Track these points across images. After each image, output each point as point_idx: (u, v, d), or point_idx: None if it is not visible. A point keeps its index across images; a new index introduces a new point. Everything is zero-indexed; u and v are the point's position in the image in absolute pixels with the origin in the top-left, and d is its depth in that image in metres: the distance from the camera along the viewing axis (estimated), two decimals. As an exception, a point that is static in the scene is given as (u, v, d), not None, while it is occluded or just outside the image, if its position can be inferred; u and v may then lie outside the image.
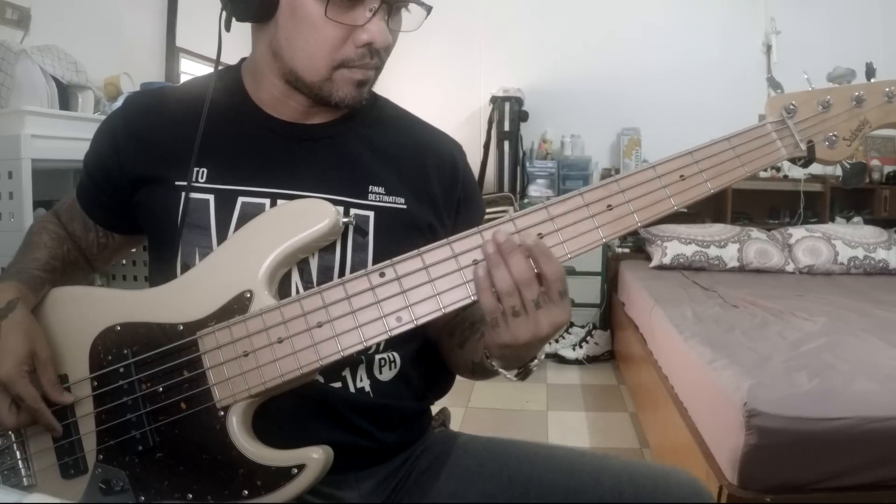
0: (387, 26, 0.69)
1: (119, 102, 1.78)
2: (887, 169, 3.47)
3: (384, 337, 0.62)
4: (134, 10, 2.29)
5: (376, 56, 0.70)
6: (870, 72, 0.68)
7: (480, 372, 0.74)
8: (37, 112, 1.41)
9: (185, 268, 0.71)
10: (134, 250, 1.53)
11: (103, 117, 1.63)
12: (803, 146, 0.66)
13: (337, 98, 0.71)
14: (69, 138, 1.43)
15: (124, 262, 1.69)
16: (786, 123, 0.67)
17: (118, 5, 2.18)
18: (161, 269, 0.74)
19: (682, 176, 0.64)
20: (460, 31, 3.70)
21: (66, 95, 1.63)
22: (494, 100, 3.52)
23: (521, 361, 0.67)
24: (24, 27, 1.73)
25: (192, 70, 2.57)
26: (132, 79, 1.92)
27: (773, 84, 0.69)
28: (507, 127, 3.46)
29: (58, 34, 1.73)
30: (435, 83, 3.70)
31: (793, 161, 0.68)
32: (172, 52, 2.46)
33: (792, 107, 0.67)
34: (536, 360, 0.68)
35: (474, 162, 3.40)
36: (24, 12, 1.73)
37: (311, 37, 0.68)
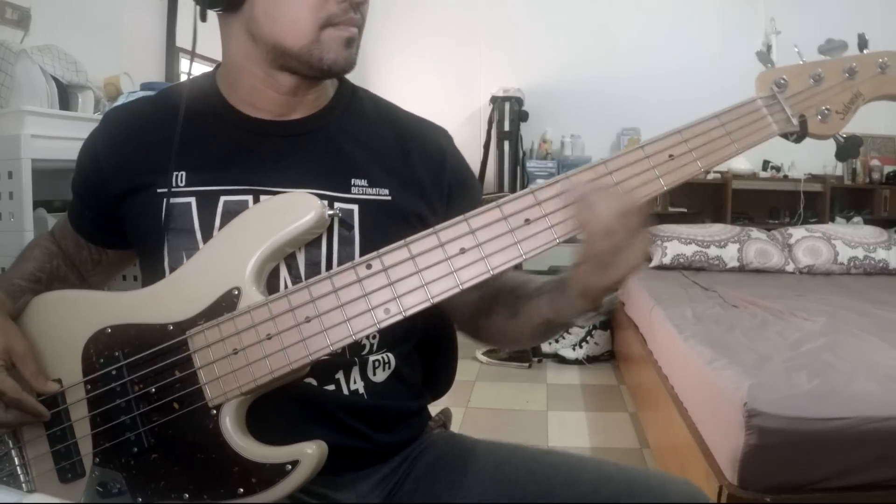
0: None
1: (119, 102, 1.79)
2: (887, 169, 3.47)
3: (373, 329, 0.62)
4: (134, 10, 2.29)
5: (357, 10, 0.70)
6: (862, 43, 0.66)
7: (553, 329, 0.72)
8: (37, 112, 1.42)
9: (176, 270, 0.71)
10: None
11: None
12: (795, 121, 0.64)
13: (329, 60, 0.69)
14: (69, 138, 1.43)
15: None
16: (776, 98, 0.65)
17: (118, 5, 2.19)
18: (151, 278, 0.73)
19: (671, 155, 0.63)
20: (460, 31, 3.71)
21: (66, 95, 1.63)
22: (494, 100, 3.52)
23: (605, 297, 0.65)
24: (24, 27, 1.74)
25: (192, 70, 2.57)
26: (132, 79, 1.92)
27: (763, 59, 0.67)
28: (507, 127, 3.46)
29: (58, 34, 1.74)
30: (435, 83, 3.71)
31: (785, 136, 0.66)
32: (172, 52, 2.46)
33: (783, 81, 0.65)
34: (615, 293, 0.66)
35: (474, 162, 3.40)
36: (24, 12, 1.73)
37: (292, 0, 0.67)
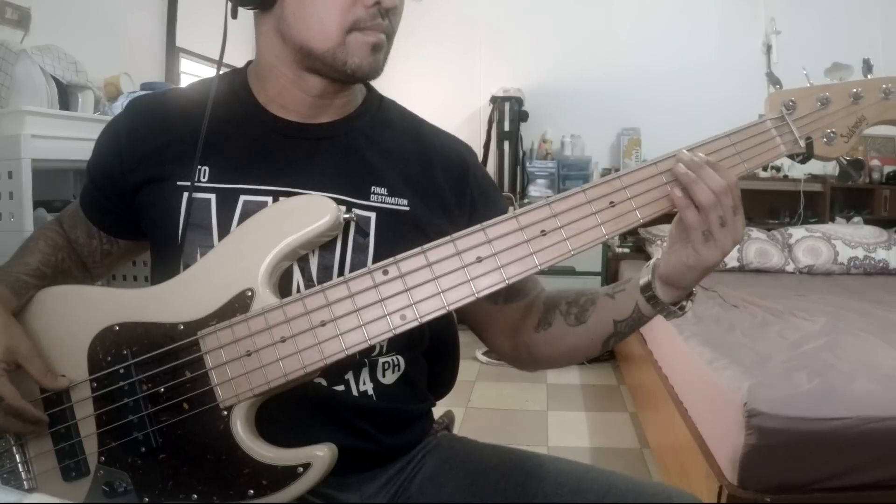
0: None
1: (119, 102, 1.78)
2: (887, 169, 3.48)
3: (388, 335, 0.62)
4: (134, 10, 2.29)
5: (386, 17, 0.70)
6: (867, 68, 0.68)
7: (626, 331, 0.71)
8: (37, 112, 1.41)
9: (187, 268, 0.71)
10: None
11: (103, 117, 1.65)
12: (802, 143, 0.66)
13: (353, 65, 0.69)
14: (69, 138, 1.43)
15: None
16: (785, 120, 0.66)
17: (118, 5, 2.18)
18: (163, 270, 0.73)
19: None
20: (460, 31, 3.71)
21: (66, 95, 1.63)
22: (494, 100, 3.52)
23: (692, 288, 0.68)
24: (24, 27, 1.73)
25: (192, 70, 2.57)
26: (132, 79, 1.92)
27: (773, 80, 0.68)
28: (507, 127, 3.46)
29: (58, 34, 1.73)
30: (435, 83, 3.71)
31: (791, 157, 0.68)
32: (172, 52, 2.46)
33: (791, 103, 0.67)
34: (694, 294, 0.69)
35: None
36: (24, 12, 1.73)
37: (320, 2, 0.68)
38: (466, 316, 0.81)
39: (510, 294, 0.77)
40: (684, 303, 0.69)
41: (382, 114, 0.81)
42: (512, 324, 0.79)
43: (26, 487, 0.67)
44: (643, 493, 0.71)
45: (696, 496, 0.74)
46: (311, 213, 0.66)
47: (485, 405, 2.63)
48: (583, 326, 0.73)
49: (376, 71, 0.72)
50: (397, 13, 0.72)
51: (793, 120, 0.66)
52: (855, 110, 0.67)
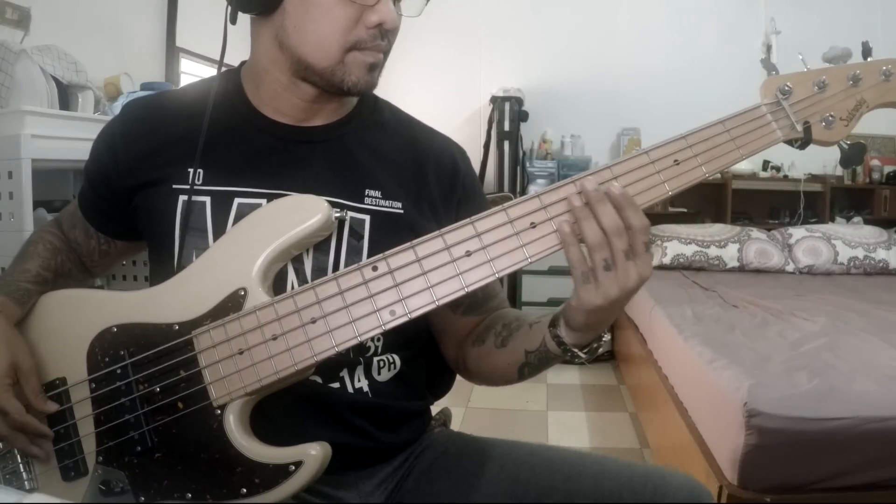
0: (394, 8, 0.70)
1: (119, 102, 1.78)
2: (887, 169, 3.47)
3: (378, 331, 0.62)
4: (134, 10, 2.29)
5: (386, 38, 0.71)
6: (866, 51, 0.66)
7: (536, 363, 0.70)
8: (37, 112, 1.41)
9: (183, 270, 0.71)
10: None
11: (103, 117, 1.65)
12: (799, 127, 0.65)
13: (349, 83, 0.70)
14: (69, 138, 1.44)
15: (124, 262, 1.70)
16: (781, 105, 0.65)
17: (118, 5, 2.19)
18: (160, 272, 0.74)
19: (675, 161, 0.63)
20: (460, 31, 3.71)
21: (66, 95, 1.63)
22: (494, 100, 3.52)
23: (595, 333, 0.65)
24: (24, 27, 1.74)
25: (192, 70, 2.57)
26: (132, 79, 1.92)
27: (768, 66, 0.67)
28: (507, 127, 3.46)
29: (58, 34, 1.74)
30: (435, 83, 3.71)
31: (789, 143, 0.66)
32: (172, 52, 2.46)
33: (787, 88, 0.65)
34: (605, 338, 0.66)
35: (474, 162, 3.40)
36: (24, 12, 1.73)
37: (323, 20, 0.68)
38: (427, 320, 0.82)
39: (471, 306, 0.79)
40: (582, 353, 0.66)
41: (376, 116, 0.81)
42: (462, 335, 0.80)
43: (27, 488, 0.68)
44: (636, 474, 0.72)
45: (687, 474, 0.74)
46: (303, 212, 0.67)
47: (485, 405, 2.63)
48: (504, 350, 0.74)
49: (371, 88, 0.73)
50: (396, 33, 0.72)
51: (789, 105, 0.65)
52: (854, 93, 0.65)
